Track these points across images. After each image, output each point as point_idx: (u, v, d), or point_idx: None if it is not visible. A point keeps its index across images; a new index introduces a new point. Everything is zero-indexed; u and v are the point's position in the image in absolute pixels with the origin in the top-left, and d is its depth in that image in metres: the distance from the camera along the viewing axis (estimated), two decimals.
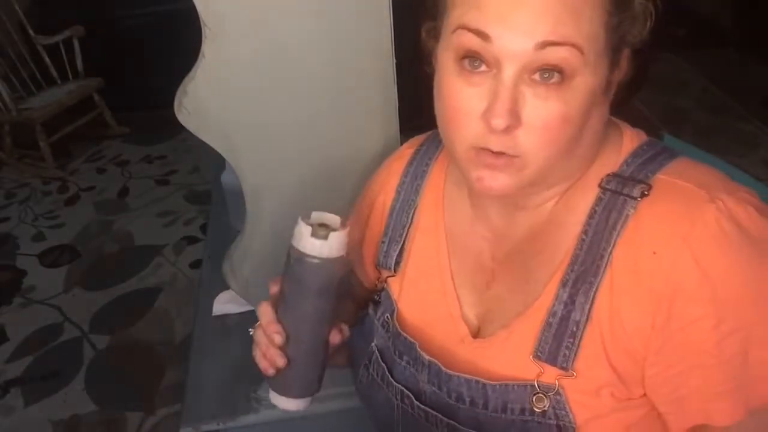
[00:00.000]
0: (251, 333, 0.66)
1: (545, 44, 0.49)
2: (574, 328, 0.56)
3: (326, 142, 1.01)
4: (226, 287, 1.20)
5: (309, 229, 0.60)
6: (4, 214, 3.15)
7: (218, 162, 1.46)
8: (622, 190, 0.56)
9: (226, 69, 0.92)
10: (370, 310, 0.74)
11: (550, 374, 0.57)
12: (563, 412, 0.56)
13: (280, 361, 0.62)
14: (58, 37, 3.48)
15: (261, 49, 0.91)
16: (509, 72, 0.50)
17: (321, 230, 0.60)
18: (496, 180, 0.54)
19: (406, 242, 0.72)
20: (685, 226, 0.51)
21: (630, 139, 0.60)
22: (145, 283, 2.54)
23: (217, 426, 1.06)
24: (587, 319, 0.56)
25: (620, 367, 0.55)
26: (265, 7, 0.88)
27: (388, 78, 0.96)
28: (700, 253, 0.51)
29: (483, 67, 0.52)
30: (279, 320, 0.63)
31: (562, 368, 0.56)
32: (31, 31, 3.52)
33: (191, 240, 2.78)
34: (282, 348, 0.63)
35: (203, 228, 2.85)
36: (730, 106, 3.19)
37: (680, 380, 0.54)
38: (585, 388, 0.56)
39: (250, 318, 1.23)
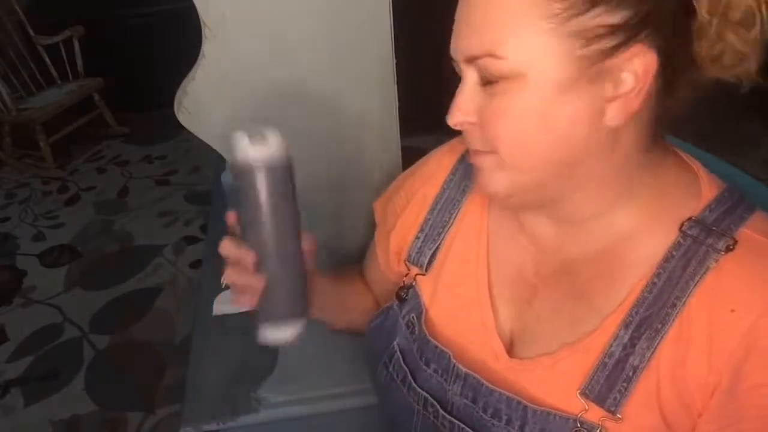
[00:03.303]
0: (223, 284, 0.64)
1: (469, 59, 0.54)
2: (630, 373, 0.54)
3: (326, 143, 1.01)
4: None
5: (245, 138, 0.58)
6: (4, 214, 3.15)
7: (218, 162, 1.46)
8: (705, 240, 0.53)
9: (226, 69, 0.92)
10: (395, 306, 0.72)
11: (594, 413, 0.55)
12: None
13: (259, 282, 0.61)
14: (58, 37, 3.48)
15: (261, 50, 0.91)
16: (466, 76, 0.56)
17: (257, 137, 0.59)
18: (483, 177, 0.58)
19: (443, 242, 0.70)
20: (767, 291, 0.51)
21: (708, 185, 0.57)
22: (145, 283, 2.54)
23: (217, 426, 1.06)
24: (645, 366, 0.54)
25: (671, 416, 0.54)
26: (265, 7, 0.88)
27: (388, 78, 0.96)
28: None
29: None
30: (245, 245, 0.61)
31: (609, 411, 0.55)
32: (31, 31, 3.52)
33: (191, 240, 2.78)
34: (256, 269, 0.61)
35: (203, 228, 2.85)
36: (730, 106, 3.18)
37: None
38: None
39: (250, 318, 1.23)
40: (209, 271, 1.32)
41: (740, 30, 0.49)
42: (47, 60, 3.53)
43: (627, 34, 0.49)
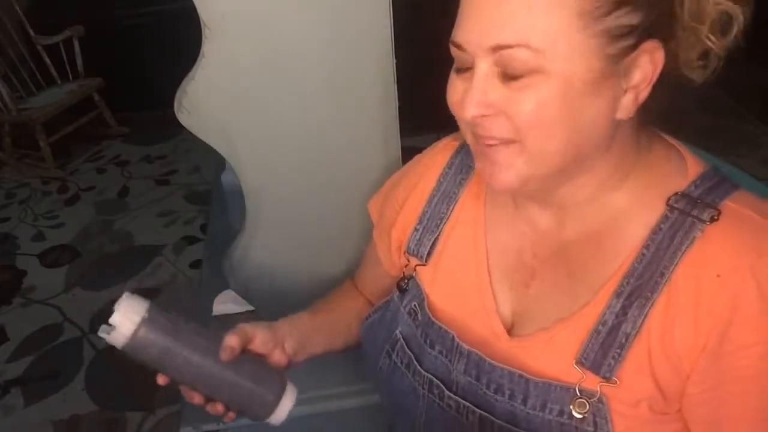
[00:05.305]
0: None
1: (497, 48, 0.52)
2: (623, 340, 0.56)
3: (326, 142, 1.01)
4: (226, 287, 1.20)
5: (104, 332, 0.62)
6: (4, 214, 3.14)
7: (218, 162, 1.47)
8: (690, 212, 0.56)
9: (226, 69, 0.92)
10: (395, 297, 0.74)
11: (591, 381, 0.57)
12: (603, 421, 0.57)
13: (219, 407, 0.67)
14: (58, 37, 3.48)
15: (261, 49, 0.91)
16: (480, 67, 0.54)
17: (107, 325, 0.62)
18: (499, 168, 0.57)
19: (441, 233, 0.72)
20: (752, 256, 0.53)
21: (694, 162, 0.61)
22: (145, 283, 2.53)
23: (217, 426, 1.06)
24: (637, 333, 0.56)
25: (663, 381, 0.56)
26: (265, 8, 0.88)
27: (388, 79, 0.96)
28: (765, 282, 0.52)
29: (468, 66, 0.57)
30: (187, 388, 0.66)
31: (605, 378, 0.57)
32: (31, 31, 3.51)
33: (191, 240, 2.78)
34: (211, 400, 0.66)
35: (203, 228, 2.84)
36: (730, 106, 3.18)
37: (719, 403, 0.55)
38: (625, 399, 0.57)
39: (250, 318, 1.23)
40: (209, 271, 1.32)
41: (716, 35, 0.54)
42: (47, 60, 3.53)
43: (643, 33, 0.52)
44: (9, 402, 2.06)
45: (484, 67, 0.54)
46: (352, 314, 0.86)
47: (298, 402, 1.13)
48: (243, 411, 0.67)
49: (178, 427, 1.08)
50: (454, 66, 0.59)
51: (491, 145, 0.57)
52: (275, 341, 0.71)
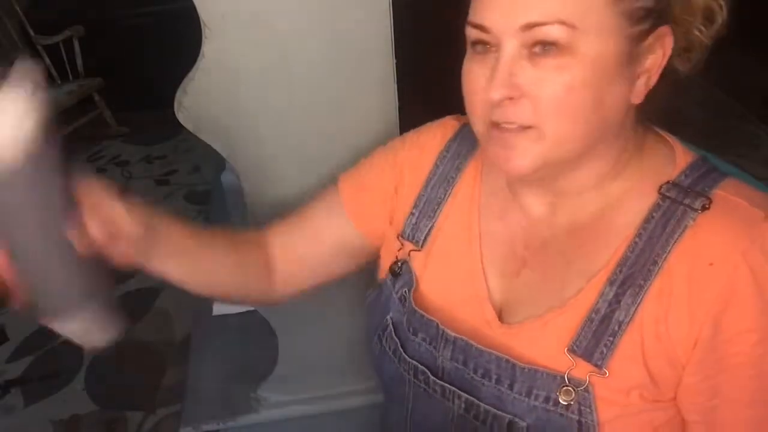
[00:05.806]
0: None
1: (530, 26, 0.52)
2: (616, 328, 0.57)
3: (326, 142, 1.01)
4: None
5: None
6: None
7: (218, 162, 1.47)
8: (683, 200, 0.57)
9: (226, 69, 0.92)
10: (389, 281, 0.74)
11: (581, 369, 0.57)
12: (588, 409, 0.57)
13: (6, 273, 0.56)
14: (58, 37, 3.48)
15: (261, 50, 0.91)
16: (507, 48, 0.54)
17: None
18: (511, 160, 0.57)
19: (437, 219, 0.72)
20: (745, 243, 0.53)
21: (683, 153, 0.61)
22: (145, 283, 2.53)
23: (217, 426, 1.07)
24: (630, 321, 0.56)
25: (656, 370, 0.56)
26: (265, 8, 0.88)
27: (388, 78, 0.96)
28: (758, 269, 0.52)
29: (490, 48, 0.56)
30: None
31: (596, 366, 0.57)
32: (31, 31, 3.52)
33: None
34: (13, 263, 0.55)
35: None
36: (730, 106, 3.18)
37: (715, 391, 0.55)
38: (615, 387, 0.57)
39: (250, 318, 1.24)
40: None
41: (702, 26, 0.56)
42: (47, 60, 3.53)
43: (657, 18, 0.54)
44: (9, 402, 2.06)
45: (510, 47, 0.53)
46: (232, 267, 0.77)
47: (298, 402, 1.13)
48: (34, 296, 0.58)
49: (178, 427, 1.08)
50: (471, 51, 0.58)
51: (509, 131, 0.56)
52: (125, 224, 0.64)
